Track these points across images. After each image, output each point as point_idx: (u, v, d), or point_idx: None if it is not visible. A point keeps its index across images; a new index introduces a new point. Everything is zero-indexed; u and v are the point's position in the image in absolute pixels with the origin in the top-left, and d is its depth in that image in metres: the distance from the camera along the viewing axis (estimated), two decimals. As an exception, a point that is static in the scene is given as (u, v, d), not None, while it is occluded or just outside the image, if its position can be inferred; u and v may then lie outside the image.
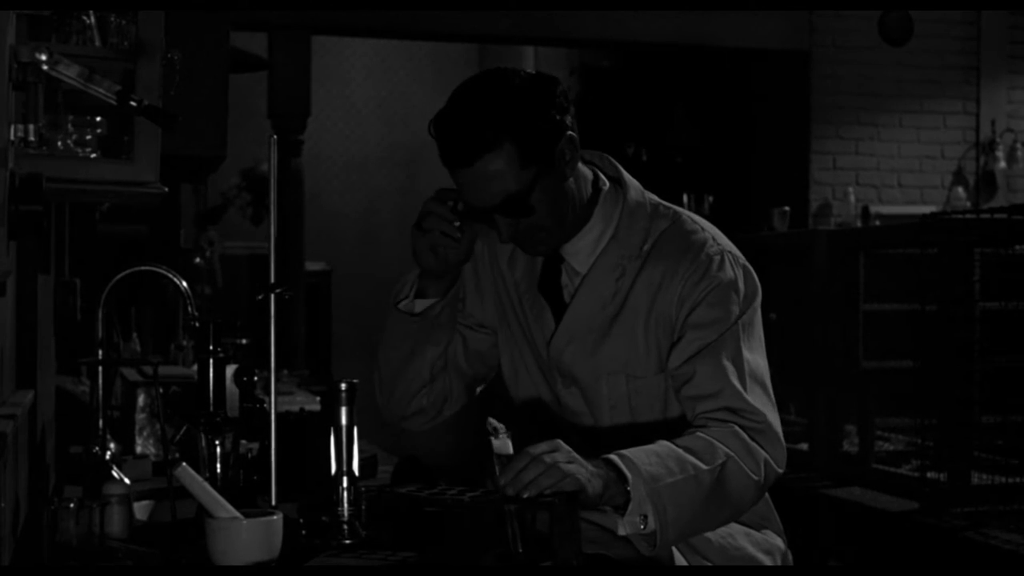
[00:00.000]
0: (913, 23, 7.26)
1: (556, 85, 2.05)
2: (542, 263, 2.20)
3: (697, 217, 2.20)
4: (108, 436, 2.49)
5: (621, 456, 1.90)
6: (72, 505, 1.83)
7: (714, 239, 2.14)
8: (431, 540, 2.11)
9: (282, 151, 6.49)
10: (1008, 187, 7.38)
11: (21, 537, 2.24)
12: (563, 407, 2.20)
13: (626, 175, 2.20)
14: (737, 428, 2.00)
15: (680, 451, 1.94)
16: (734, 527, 2.11)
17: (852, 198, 7.15)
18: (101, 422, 2.45)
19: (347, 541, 2.16)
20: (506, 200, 2.01)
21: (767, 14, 7.08)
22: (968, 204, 7.18)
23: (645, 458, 1.91)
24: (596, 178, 2.17)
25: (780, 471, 2.04)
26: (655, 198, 2.21)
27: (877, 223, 6.73)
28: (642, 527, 1.89)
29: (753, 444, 1.99)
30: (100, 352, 2.50)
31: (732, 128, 7.85)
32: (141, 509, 2.45)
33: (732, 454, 1.96)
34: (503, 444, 1.98)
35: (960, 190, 7.31)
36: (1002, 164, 7.34)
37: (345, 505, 2.18)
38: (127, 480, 2.29)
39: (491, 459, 2.02)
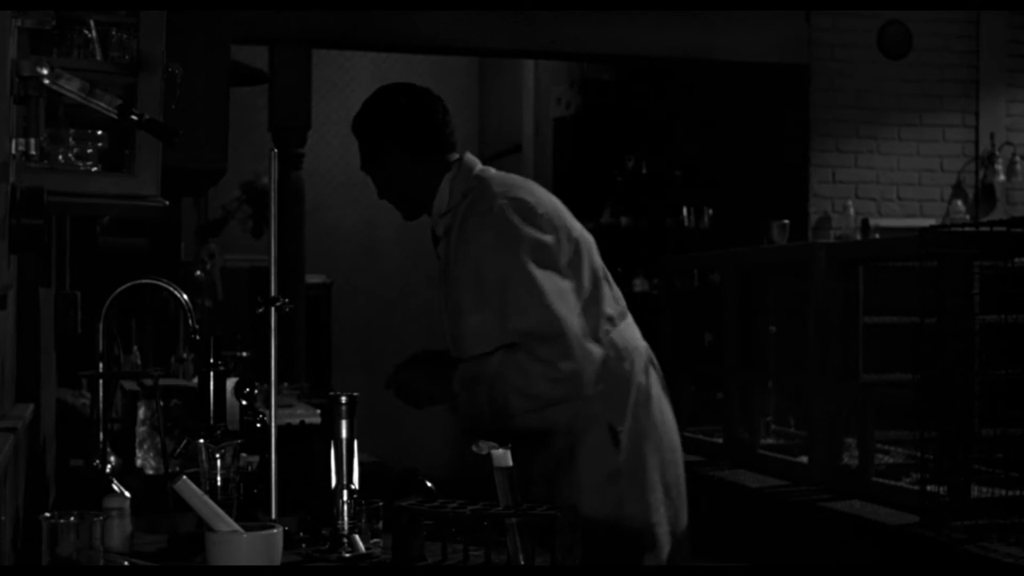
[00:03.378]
0: (912, 36, 7.27)
1: (402, 106, 2.84)
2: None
3: (505, 179, 2.79)
4: (108, 449, 2.49)
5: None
6: (72, 518, 1.83)
7: (499, 186, 2.73)
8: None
9: (283, 164, 6.49)
10: (1007, 200, 7.39)
11: (21, 550, 2.24)
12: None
13: (467, 158, 2.84)
14: (510, 353, 2.59)
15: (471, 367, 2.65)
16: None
17: (851, 211, 7.16)
18: (101, 435, 2.46)
19: (347, 554, 2.16)
20: (362, 166, 2.89)
21: (766, 28, 7.09)
22: (967, 217, 7.19)
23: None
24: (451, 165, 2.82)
25: (559, 370, 2.57)
26: (482, 170, 2.81)
27: (876, 236, 6.73)
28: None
29: (525, 360, 2.57)
30: (101, 365, 2.50)
31: (732, 141, 7.86)
32: (141, 522, 2.45)
33: (500, 374, 2.59)
34: (503, 457, 1.99)
35: (959, 203, 7.31)
36: (1001, 177, 7.35)
37: (345, 518, 2.19)
38: (127, 493, 2.29)
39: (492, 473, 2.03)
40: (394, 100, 2.87)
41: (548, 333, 2.57)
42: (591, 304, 2.69)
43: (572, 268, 2.67)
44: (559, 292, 2.61)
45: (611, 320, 2.75)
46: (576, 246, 2.71)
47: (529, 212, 2.66)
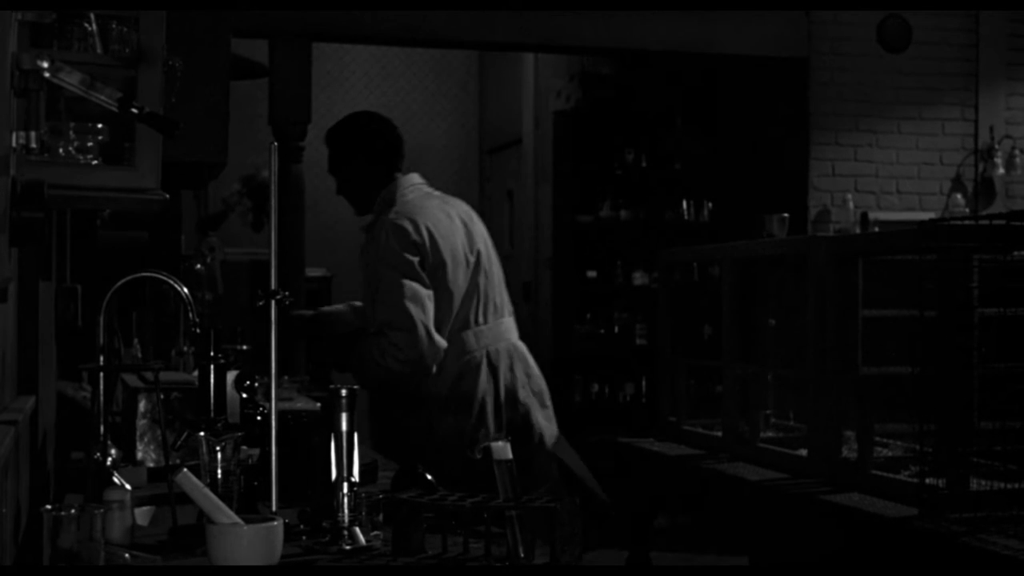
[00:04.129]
0: (911, 30, 7.27)
1: (372, 128, 3.78)
2: None
3: (405, 206, 3.63)
4: (109, 442, 2.50)
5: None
6: (73, 511, 1.84)
7: (394, 214, 3.60)
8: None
9: (283, 158, 6.49)
10: (1006, 193, 7.39)
11: (22, 543, 2.24)
12: None
13: (401, 179, 3.73)
14: (374, 336, 3.56)
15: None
16: None
17: (851, 205, 7.16)
18: (102, 428, 2.46)
19: (347, 547, 2.16)
20: (329, 169, 3.87)
21: (766, 21, 7.09)
22: (966, 210, 7.19)
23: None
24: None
25: (405, 354, 3.49)
26: (403, 193, 3.68)
27: (876, 229, 6.73)
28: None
29: (384, 342, 3.50)
30: (101, 358, 2.50)
31: (731, 135, 7.86)
32: (142, 515, 2.45)
33: (369, 349, 3.54)
34: (503, 449, 2.00)
35: (958, 196, 7.31)
36: (1000, 171, 7.35)
37: (345, 511, 2.19)
38: (128, 486, 2.30)
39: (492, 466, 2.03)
40: (367, 123, 3.80)
41: (400, 326, 3.48)
42: (459, 308, 3.61)
43: (436, 281, 3.55)
44: (414, 297, 3.49)
45: (476, 322, 3.65)
46: (444, 266, 3.56)
47: (403, 237, 3.54)
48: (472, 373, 3.63)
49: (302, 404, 4.40)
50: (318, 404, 3.80)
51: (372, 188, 3.73)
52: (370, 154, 3.74)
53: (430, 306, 3.53)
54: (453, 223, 3.66)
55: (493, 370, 3.66)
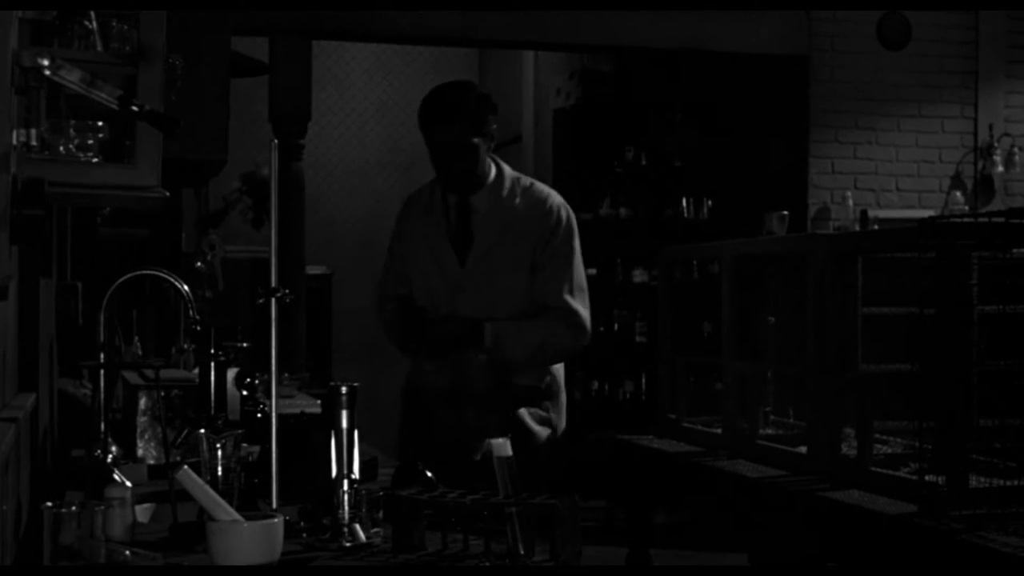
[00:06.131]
0: (911, 27, 7.27)
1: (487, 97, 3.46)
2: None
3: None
4: (109, 439, 2.50)
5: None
6: (73, 508, 1.84)
7: (534, 187, 3.48)
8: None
9: (283, 155, 6.50)
10: (1005, 191, 7.39)
11: (23, 540, 2.25)
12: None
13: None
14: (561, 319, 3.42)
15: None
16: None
17: (850, 202, 7.16)
18: (103, 425, 2.46)
19: (347, 544, 2.17)
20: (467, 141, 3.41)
21: (766, 19, 7.09)
22: (966, 208, 7.20)
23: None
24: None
25: (581, 344, 3.49)
26: (517, 173, 3.53)
27: (875, 227, 6.73)
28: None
29: (565, 329, 3.42)
30: (102, 355, 2.51)
31: (731, 132, 7.86)
32: (142, 512, 2.46)
33: (553, 331, 3.41)
34: (503, 446, 2.00)
35: (958, 194, 7.32)
36: (999, 168, 7.35)
37: (345, 508, 2.19)
38: (128, 483, 2.30)
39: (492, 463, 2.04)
40: (477, 89, 3.51)
41: (583, 310, 3.49)
42: None
43: None
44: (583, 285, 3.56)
45: None
46: None
47: (572, 219, 3.54)
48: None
49: (302, 401, 4.40)
50: (318, 401, 3.80)
51: (485, 163, 3.45)
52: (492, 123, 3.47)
53: None
54: None
55: None
